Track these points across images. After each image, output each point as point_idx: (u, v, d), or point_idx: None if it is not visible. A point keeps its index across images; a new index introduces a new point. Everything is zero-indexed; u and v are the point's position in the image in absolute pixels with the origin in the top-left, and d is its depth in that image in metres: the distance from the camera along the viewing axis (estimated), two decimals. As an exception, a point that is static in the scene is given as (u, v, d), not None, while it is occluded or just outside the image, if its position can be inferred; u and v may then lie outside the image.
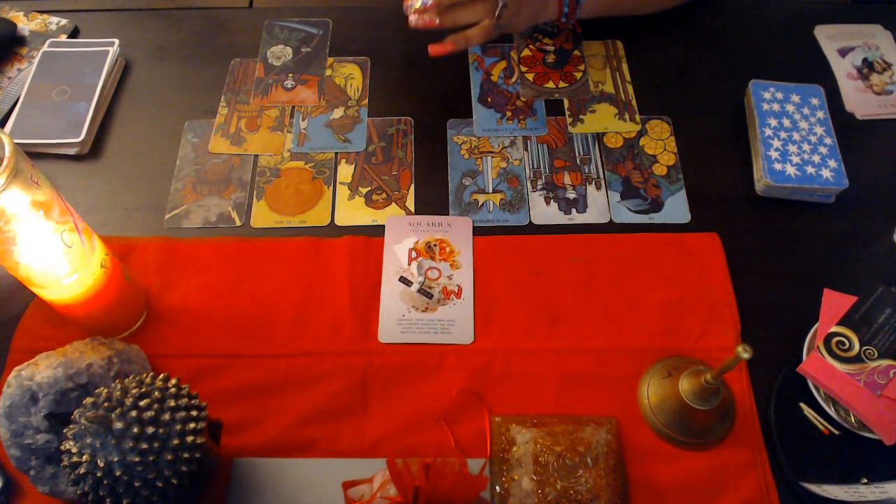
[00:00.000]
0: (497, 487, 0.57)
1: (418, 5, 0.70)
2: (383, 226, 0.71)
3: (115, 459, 0.46)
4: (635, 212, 0.72)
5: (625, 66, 0.83)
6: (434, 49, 0.73)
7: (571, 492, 0.55)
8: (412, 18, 0.71)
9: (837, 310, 0.63)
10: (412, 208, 0.73)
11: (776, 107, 0.75)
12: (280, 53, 0.85)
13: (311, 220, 0.72)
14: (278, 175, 0.75)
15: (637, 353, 0.64)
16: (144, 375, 0.51)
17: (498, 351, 0.64)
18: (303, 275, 0.68)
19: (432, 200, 0.73)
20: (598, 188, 0.74)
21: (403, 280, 0.68)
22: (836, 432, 0.60)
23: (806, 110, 0.75)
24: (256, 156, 0.76)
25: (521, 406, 0.61)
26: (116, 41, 0.82)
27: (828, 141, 0.73)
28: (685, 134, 0.78)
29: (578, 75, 0.82)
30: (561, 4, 0.76)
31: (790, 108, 0.75)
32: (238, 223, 0.72)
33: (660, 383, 0.61)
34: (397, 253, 0.69)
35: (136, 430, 0.46)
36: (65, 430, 0.49)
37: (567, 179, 0.74)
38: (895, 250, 0.70)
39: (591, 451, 0.57)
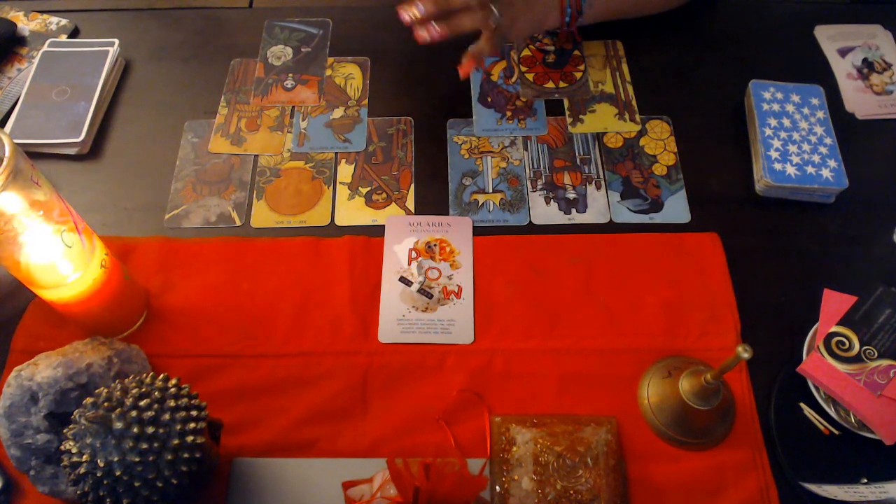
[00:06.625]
0: (497, 487, 0.57)
1: (417, 15, 0.69)
2: (383, 226, 0.71)
3: (115, 459, 0.46)
4: (635, 212, 0.72)
5: (625, 66, 0.83)
6: (463, 71, 0.72)
7: (571, 492, 0.55)
8: (419, 34, 0.70)
9: (837, 310, 0.63)
10: (412, 208, 0.73)
11: (776, 107, 0.75)
12: (280, 53, 0.85)
13: (311, 220, 0.72)
14: (278, 175, 0.75)
15: (637, 353, 0.64)
16: (144, 375, 0.51)
17: (498, 351, 0.64)
18: (303, 275, 0.68)
19: (432, 200, 0.73)
20: (598, 188, 0.74)
21: (403, 280, 0.68)
22: (836, 432, 0.60)
23: (806, 110, 0.75)
24: (256, 156, 0.76)
25: (521, 406, 0.61)
26: (116, 41, 0.82)
27: (828, 141, 0.73)
28: (685, 134, 0.78)
29: (578, 75, 0.82)
30: (563, 14, 0.76)
31: (790, 108, 0.75)
32: (238, 223, 0.72)
33: (660, 383, 0.61)
34: (397, 253, 0.69)
35: (136, 430, 0.46)
36: (65, 430, 0.49)
37: (567, 179, 0.74)
38: (895, 250, 0.70)
39: (591, 451, 0.57)
